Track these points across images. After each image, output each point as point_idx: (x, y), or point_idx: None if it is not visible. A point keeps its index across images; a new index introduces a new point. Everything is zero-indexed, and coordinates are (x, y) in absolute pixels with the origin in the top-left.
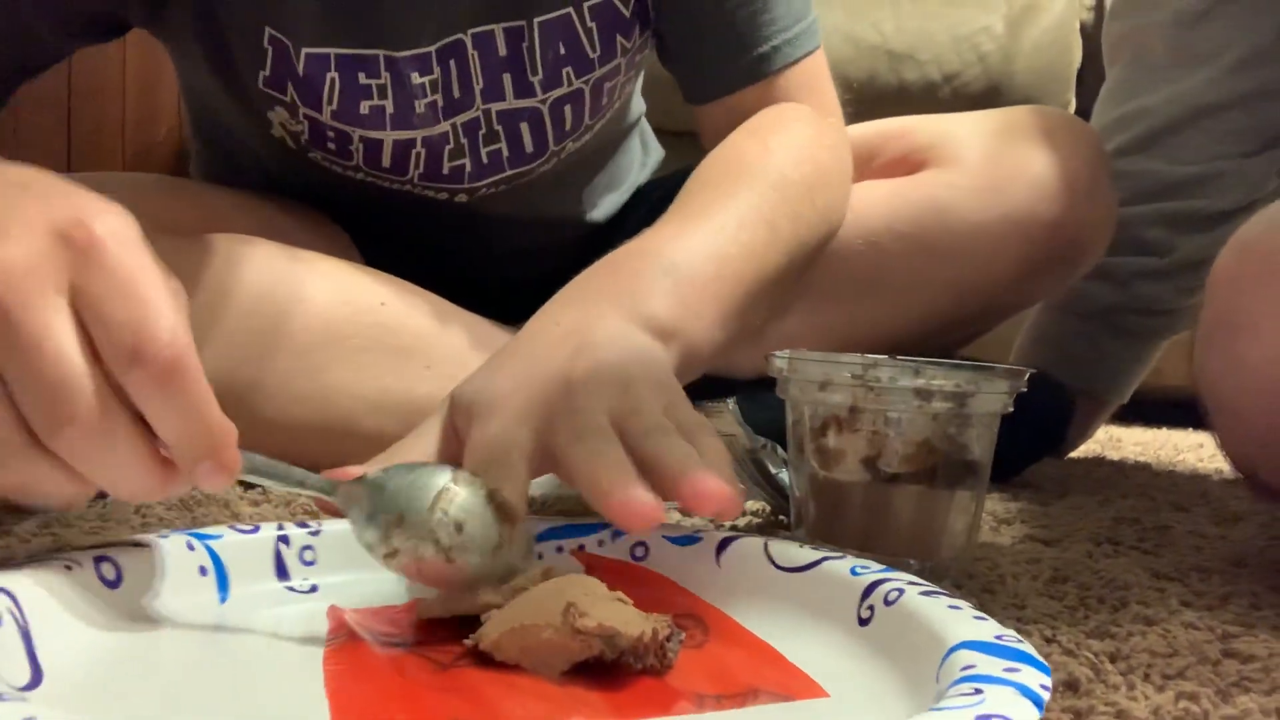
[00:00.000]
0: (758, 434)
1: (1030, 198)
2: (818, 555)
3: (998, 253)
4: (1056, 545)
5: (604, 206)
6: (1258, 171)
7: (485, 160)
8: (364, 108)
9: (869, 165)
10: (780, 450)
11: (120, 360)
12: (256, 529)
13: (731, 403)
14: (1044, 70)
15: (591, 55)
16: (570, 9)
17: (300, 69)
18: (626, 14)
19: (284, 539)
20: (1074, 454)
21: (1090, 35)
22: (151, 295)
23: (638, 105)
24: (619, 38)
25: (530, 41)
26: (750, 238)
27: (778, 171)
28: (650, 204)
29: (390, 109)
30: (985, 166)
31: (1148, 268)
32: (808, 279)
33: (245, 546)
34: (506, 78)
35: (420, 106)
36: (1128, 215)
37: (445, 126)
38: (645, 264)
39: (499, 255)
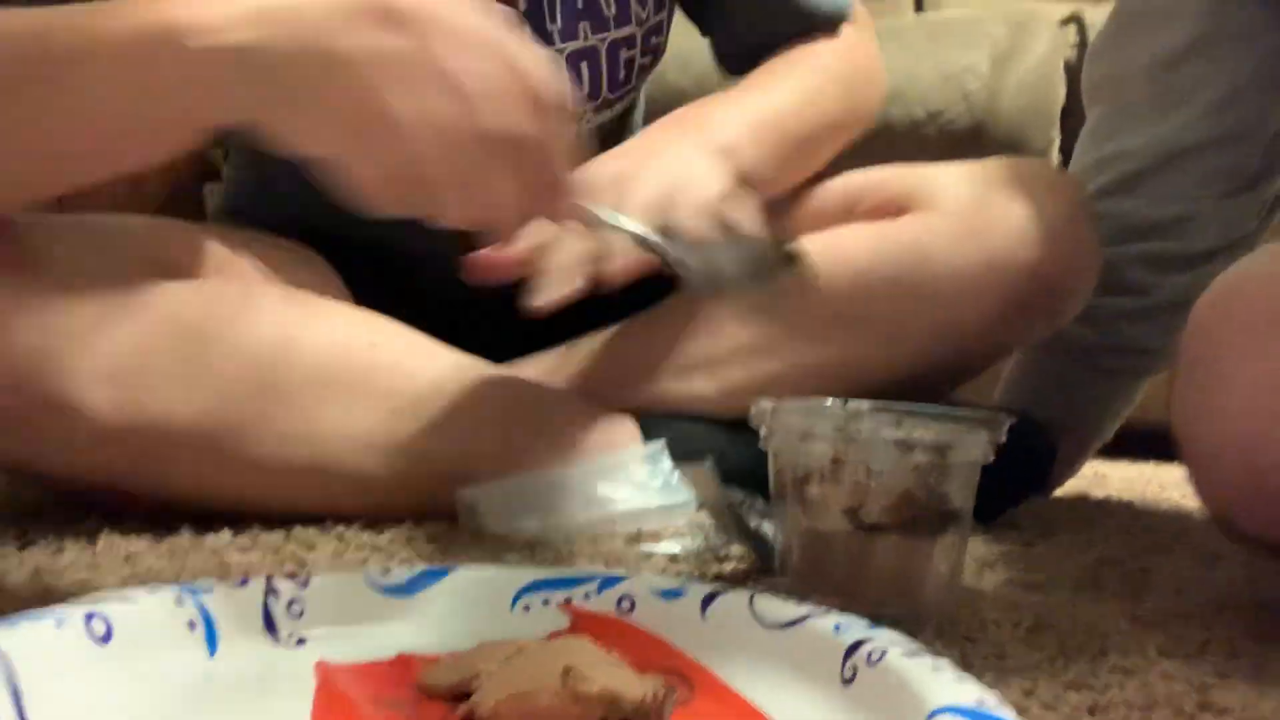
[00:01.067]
0: (737, 479)
1: (1010, 243)
2: (801, 612)
3: (980, 296)
4: (1038, 590)
5: None
6: (1237, 212)
7: None
8: None
9: (852, 212)
10: (760, 503)
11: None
12: (245, 581)
13: (708, 463)
14: (1028, 108)
15: (607, 14)
16: None
17: None
18: None
19: (273, 591)
20: (1059, 491)
21: (1075, 74)
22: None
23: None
24: (633, 2)
25: None
26: (797, 101)
27: (822, 62)
28: None
29: None
30: (966, 212)
31: (1129, 308)
32: (794, 320)
33: (233, 599)
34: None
35: None
36: (1109, 255)
37: None
38: (713, 108)
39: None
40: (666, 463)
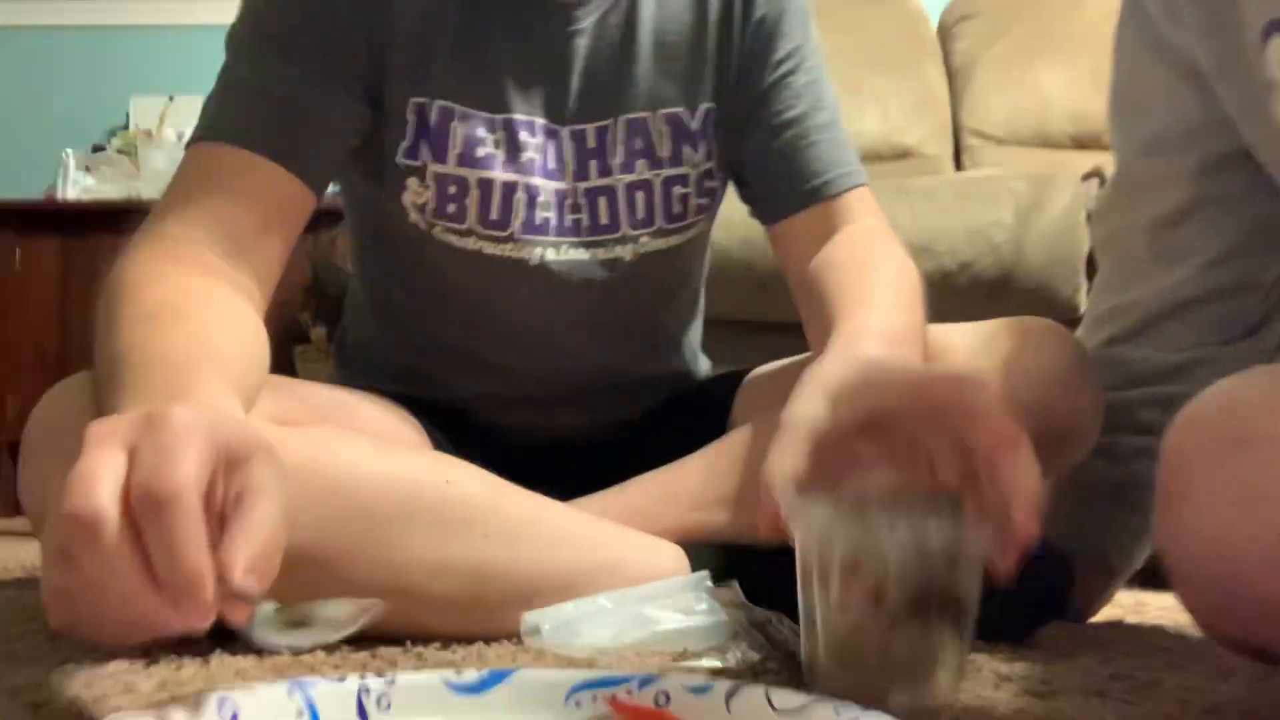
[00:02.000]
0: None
1: (1017, 386)
2: (808, 699)
3: None
4: (1047, 697)
5: (647, 366)
6: (1241, 358)
7: (568, 223)
8: (479, 151)
9: None
10: (786, 622)
11: (134, 494)
12: (343, 679)
13: (734, 584)
14: (1053, 257)
15: (661, 154)
16: (648, 113)
17: (432, 121)
18: (691, 129)
19: (365, 688)
20: (1096, 618)
21: None
22: (180, 451)
23: (699, 284)
24: (686, 147)
25: (614, 135)
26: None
27: (893, 271)
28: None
29: (501, 156)
30: (975, 361)
31: (1145, 447)
32: None
33: (334, 693)
34: (592, 164)
35: (524, 156)
36: (1125, 398)
37: (540, 180)
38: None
39: (552, 402)
40: (707, 587)
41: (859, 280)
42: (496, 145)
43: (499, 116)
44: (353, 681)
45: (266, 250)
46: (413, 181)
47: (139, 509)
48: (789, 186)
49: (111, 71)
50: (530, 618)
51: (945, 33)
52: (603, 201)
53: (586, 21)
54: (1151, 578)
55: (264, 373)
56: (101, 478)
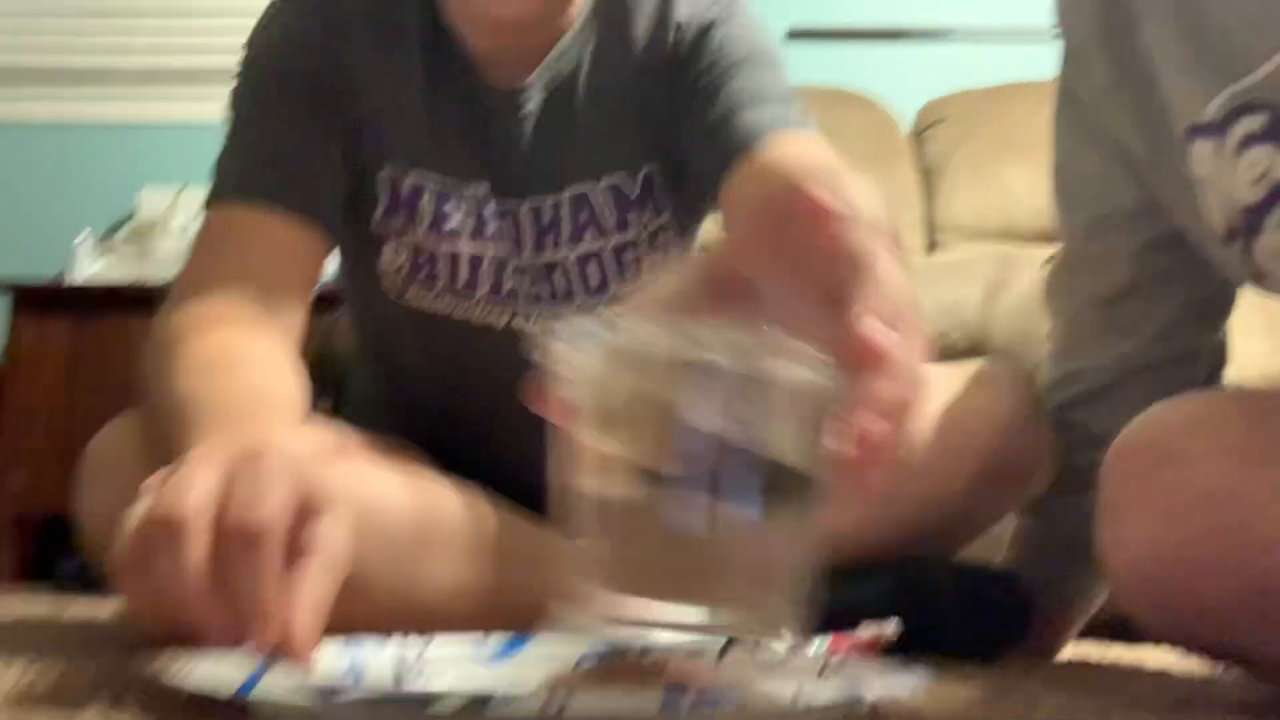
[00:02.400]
0: None
1: (974, 425)
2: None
3: (951, 472)
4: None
5: None
6: None
7: (529, 293)
8: (447, 225)
9: None
10: None
11: (225, 519)
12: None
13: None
14: (1019, 330)
15: (608, 224)
16: (591, 184)
17: (404, 193)
18: (634, 196)
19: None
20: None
21: None
22: (272, 490)
23: None
24: (630, 213)
25: (562, 211)
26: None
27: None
28: None
29: (469, 228)
30: (940, 401)
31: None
32: None
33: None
34: (547, 238)
35: (488, 229)
36: (1082, 459)
37: (503, 253)
38: None
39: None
40: None
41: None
42: (466, 216)
43: (464, 190)
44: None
45: (291, 299)
46: (387, 248)
47: (227, 535)
48: (722, 156)
49: (123, 164)
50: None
51: (916, 136)
52: (558, 273)
53: (531, 105)
54: (1120, 631)
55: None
56: (195, 491)
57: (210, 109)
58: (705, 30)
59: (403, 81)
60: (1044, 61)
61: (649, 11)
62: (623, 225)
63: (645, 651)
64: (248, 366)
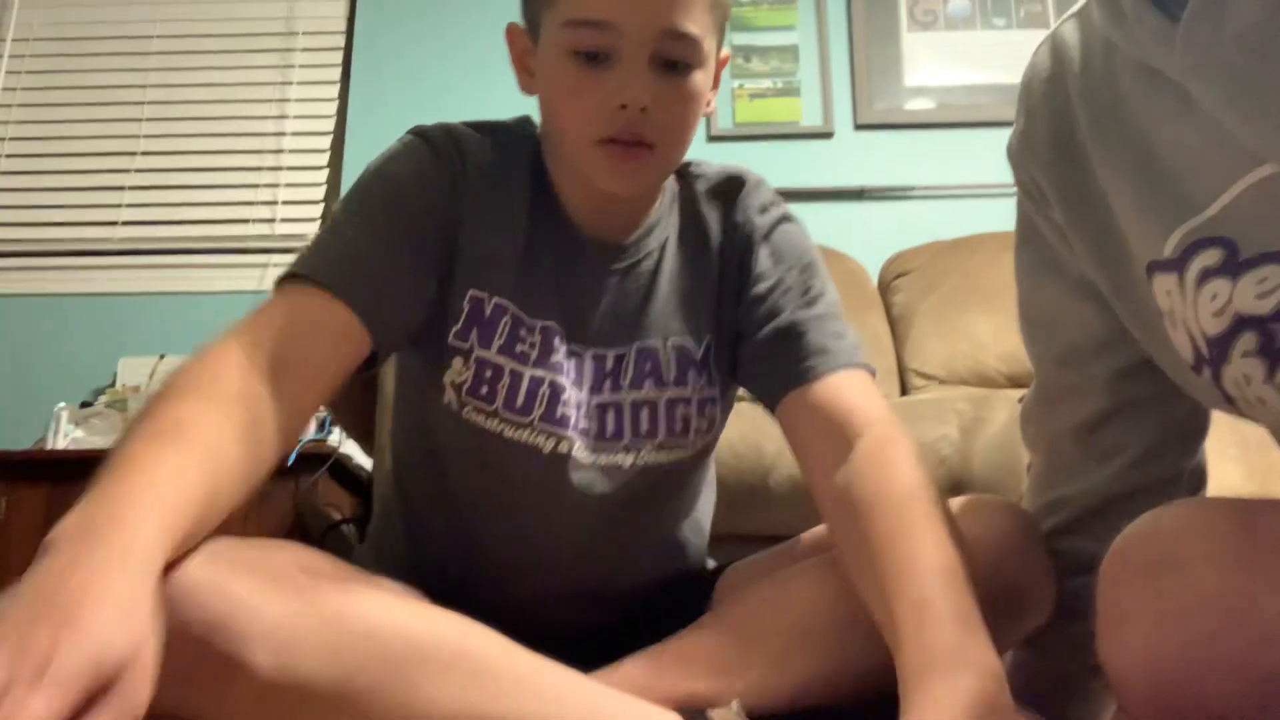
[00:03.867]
0: None
1: (973, 553)
2: None
3: None
4: None
5: (644, 574)
6: None
7: (581, 425)
8: (519, 347)
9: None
10: None
11: None
12: None
13: (735, 703)
14: (998, 466)
15: (668, 377)
16: (660, 341)
17: (487, 313)
18: (697, 358)
19: None
20: None
21: None
22: (43, 697)
23: (705, 506)
24: (690, 372)
25: (628, 360)
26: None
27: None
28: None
29: (535, 355)
30: None
31: (1089, 631)
32: (786, 638)
33: None
34: (606, 382)
35: (553, 359)
36: (1071, 585)
37: (565, 382)
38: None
39: (553, 602)
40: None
41: (898, 529)
42: (533, 346)
43: (539, 322)
44: None
45: (309, 378)
46: (457, 361)
47: None
48: (783, 369)
49: (102, 335)
50: None
51: (884, 287)
52: (610, 413)
53: (619, 267)
54: None
55: (236, 499)
56: None
57: (188, 282)
58: (766, 233)
59: (506, 229)
60: (1002, 216)
61: (717, 203)
62: (681, 381)
63: None
64: (189, 445)
